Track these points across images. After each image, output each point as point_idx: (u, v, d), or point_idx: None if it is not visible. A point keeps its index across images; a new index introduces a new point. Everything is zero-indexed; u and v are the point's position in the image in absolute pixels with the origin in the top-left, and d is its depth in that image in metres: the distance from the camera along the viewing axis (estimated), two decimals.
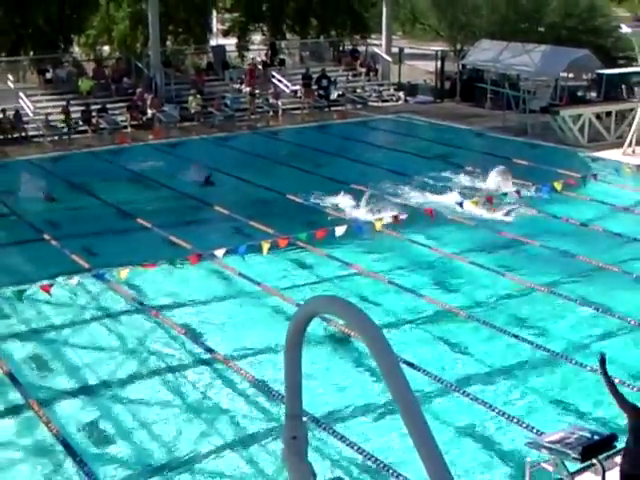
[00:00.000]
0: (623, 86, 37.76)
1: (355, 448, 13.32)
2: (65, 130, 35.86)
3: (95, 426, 14.51)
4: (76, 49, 47.71)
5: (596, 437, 11.59)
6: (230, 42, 50.70)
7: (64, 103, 36.76)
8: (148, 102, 38.40)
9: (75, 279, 19.03)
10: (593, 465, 11.72)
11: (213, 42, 50.06)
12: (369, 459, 13.04)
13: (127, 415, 14.88)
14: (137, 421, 14.67)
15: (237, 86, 42.62)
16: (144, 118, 38.05)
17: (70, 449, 13.52)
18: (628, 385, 14.69)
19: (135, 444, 14.01)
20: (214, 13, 53.76)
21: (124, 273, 18.76)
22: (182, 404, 15.26)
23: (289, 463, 3.57)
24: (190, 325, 18.36)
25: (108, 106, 38.19)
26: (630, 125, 33.50)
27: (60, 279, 19.06)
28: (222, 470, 13.30)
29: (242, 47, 49.68)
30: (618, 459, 11.71)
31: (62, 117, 36.04)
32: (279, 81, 43.05)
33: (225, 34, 53.13)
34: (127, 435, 14.27)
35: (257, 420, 14.58)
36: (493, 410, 14.45)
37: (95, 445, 13.98)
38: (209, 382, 16.09)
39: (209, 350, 17.10)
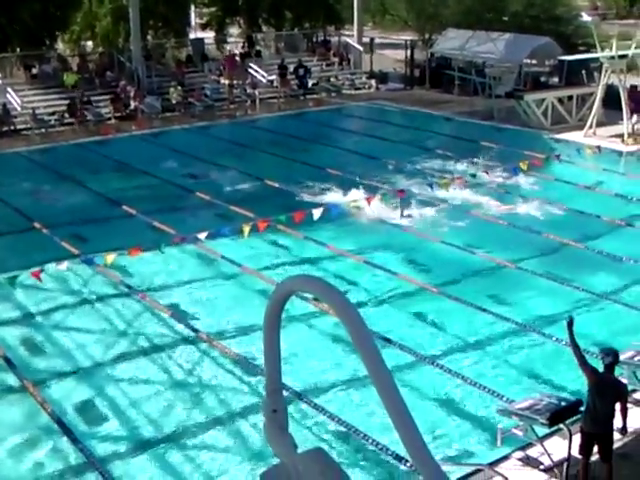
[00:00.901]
0: (583, 71, 38.31)
1: (335, 420, 13.79)
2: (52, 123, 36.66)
3: (88, 405, 14.87)
4: (61, 45, 48.03)
5: (563, 403, 12.39)
6: (208, 35, 51.22)
7: (51, 97, 37.66)
8: (131, 94, 39.08)
9: (64, 265, 19.29)
10: (560, 430, 12.45)
11: (192, 36, 50.42)
12: (349, 429, 13.50)
13: (118, 394, 15.23)
14: (128, 399, 15.03)
15: (216, 77, 43.37)
16: (127, 110, 38.70)
17: (64, 427, 13.94)
18: (592, 354, 15.24)
19: (126, 421, 14.37)
20: (192, 8, 54.24)
21: (111, 258, 19.06)
22: (170, 382, 15.65)
23: (271, 435, 3.62)
24: (176, 306, 18.81)
25: (93, 99, 38.89)
26: (591, 108, 34.50)
27: (50, 265, 19.27)
28: (209, 444, 13.65)
29: (220, 40, 50.26)
30: None
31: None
32: (256, 72, 43.81)
33: (203, 28, 53.58)
34: (119, 413, 14.61)
35: (241, 395, 15.00)
36: (465, 381, 14.99)
37: (88, 423, 14.32)
38: (195, 360, 16.46)
39: (194, 330, 17.58)
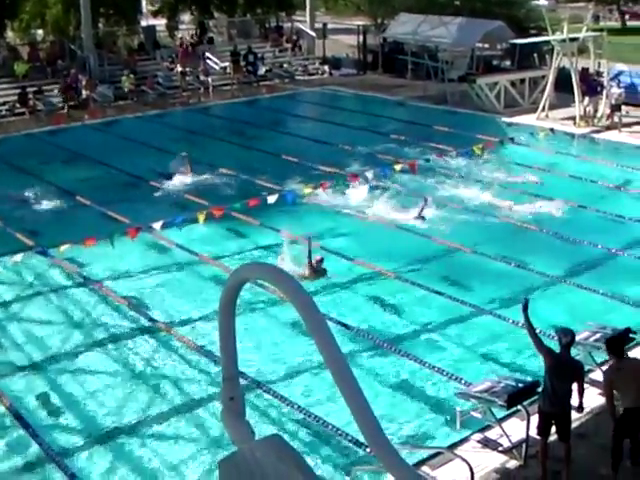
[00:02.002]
0: (535, 55, 38.85)
1: (295, 407, 13.86)
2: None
3: (46, 398, 14.77)
4: (10, 34, 47.65)
5: (520, 385, 12.53)
6: (160, 22, 50.94)
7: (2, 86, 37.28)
8: (83, 83, 38.79)
9: (18, 257, 19.26)
10: (518, 411, 12.64)
11: (144, 23, 50.02)
12: (308, 416, 13.55)
13: (76, 386, 15.15)
14: (86, 391, 14.95)
15: (168, 65, 43.21)
16: (79, 99, 38.38)
17: (22, 421, 13.85)
18: (549, 335, 15.37)
19: (85, 413, 14.34)
20: None
21: (66, 249, 19.10)
22: (128, 372, 15.60)
23: (228, 423, 3.65)
24: (132, 296, 18.75)
25: (44, 88, 38.47)
26: (543, 91, 34.85)
27: (4, 258, 19.43)
28: (169, 433, 13.65)
29: (172, 27, 50.07)
30: None
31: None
32: (208, 59, 43.73)
33: (155, 15, 53.25)
34: (77, 405, 14.57)
35: (200, 384, 14.97)
36: (424, 365, 15.11)
37: (46, 416, 14.26)
38: (153, 350, 16.44)
39: (152, 319, 17.53)
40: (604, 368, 13.96)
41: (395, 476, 2.92)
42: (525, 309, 11.71)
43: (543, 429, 11.63)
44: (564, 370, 11.44)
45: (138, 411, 14.32)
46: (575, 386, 11.53)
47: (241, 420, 3.63)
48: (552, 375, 11.36)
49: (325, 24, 51.41)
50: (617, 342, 11.98)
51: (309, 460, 12.40)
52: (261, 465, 3.07)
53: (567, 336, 11.62)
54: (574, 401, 11.55)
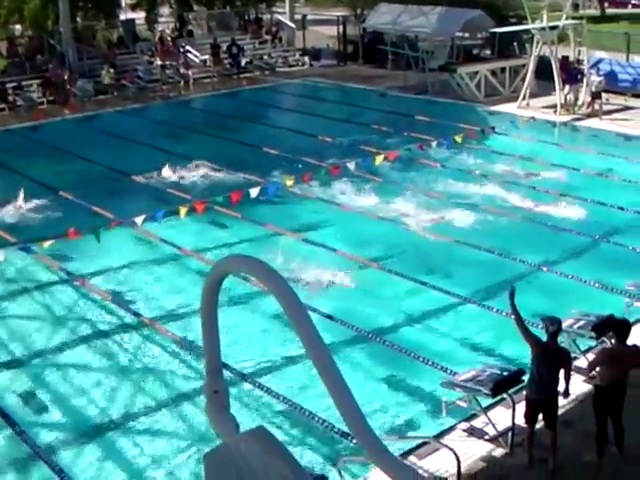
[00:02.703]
0: (515, 43, 38.77)
1: (281, 399, 13.84)
2: None
3: (31, 395, 14.72)
4: None
5: (505, 373, 12.58)
6: (139, 16, 50.54)
7: None
8: (62, 78, 38.56)
9: (1, 254, 19.15)
10: (504, 399, 12.67)
11: (122, 16, 49.77)
12: (294, 408, 13.51)
13: (61, 382, 15.13)
14: (72, 387, 14.95)
15: (148, 58, 43.07)
16: (59, 94, 38.13)
17: (8, 418, 13.77)
18: (533, 324, 15.68)
19: (71, 410, 14.31)
20: None
21: (49, 244, 19.09)
22: (114, 368, 15.57)
23: (212, 416, 3.63)
24: (116, 291, 18.66)
25: (23, 84, 38.29)
26: (523, 80, 34.90)
27: None
28: (155, 428, 13.65)
29: (151, 20, 49.70)
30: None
31: None
32: (188, 51, 43.62)
33: (134, 8, 52.80)
34: (63, 401, 14.56)
35: (186, 378, 14.98)
36: (409, 355, 15.10)
37: (32, 413, 14.21)
38: (138, 345, 16.42)
39: (136, 314, 17.48)
40: (588, 355, 14.11)
41: (379, 466, 2.91)
42: (512, 297, 11.72)
43: (530, 417, 11.68)
44: (551, 358, 11.47)
45: (124, 406, 14.30)
46: (562, 373, 11.56)
47: (225, 413, 3.61)
48: (539, 363, 11.41)
49: (305, 15, 51.47)
50: (623, 328, 11.90)
51: (297, 452, 12.43)
52: (246, 458, 3.06)
53: (554, 324, 11.65)
54: (560, 388, 11.60)
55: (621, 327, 11.90)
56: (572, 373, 11.91)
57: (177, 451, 12.95)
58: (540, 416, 11.70)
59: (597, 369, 11.89)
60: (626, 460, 11.72)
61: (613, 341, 12.11)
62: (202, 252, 20.58)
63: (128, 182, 26.82)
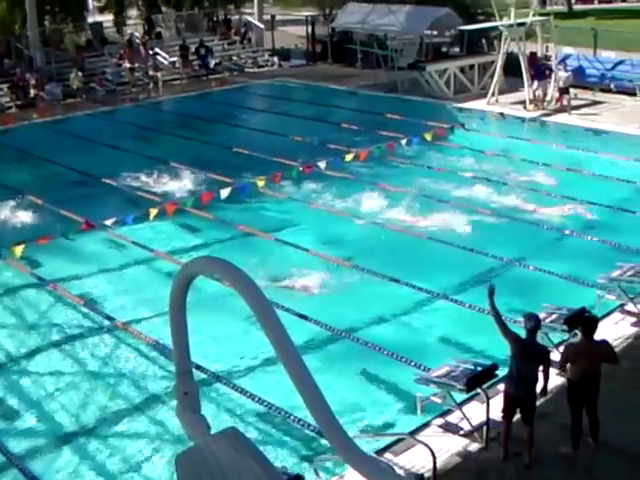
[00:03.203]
0: (483, 40, 38.97)
1: (256, 399, 13.81)
2: None
3: (3, 402, 14.63)
4: None
5: (479, 368, 12.66)
6: (107, 18, 50.39)
7: None
8: (30, 82, 38.25)
9: None
10: (478, 394, 12.75)
11: (90, 19, 49.55)
12: (270, 408, 13.52)
13: (34, 387, 15.06)
14: (45, 393, 14.89)
15: (117, 61, 42.75)
16: (27, 98, 37.85)
17: None
18: (509, 320, 15.80)
19: (45, 415, 14.25)
20: None
21: (19, 249, 19.04)
22: (87, 372, 15.54)
23: (183, 418, 3.62)
24: (88, 295, 18.58)
25: None
26: (492, 76, 35.04)
27: None
28: (130, 431, 13.61)
29: (119, 23, 49.48)
30: (501, 387, 12.66)
31: None
32: (157, 54, 43.44)
33: (102, 11, 52.77)
34: (36, 407, 14.47)
35: (160, 380, 14.92)
36: (383, 352, 15.11)
37: (5, 419, 14.14)
38: (111, 348, 16.38)
39: (109, 318, 17.34)
40: (561, 348, 14.16)
41: (350, 464, 2.91)
42: (491, 295, 11.80)
43: (507, 412, 11.73)
44: (530, 355, 11.52)
45: (98, 410, 14.25)
46: (541, 370, 11.64)
47: (196, 415, 3.59)
48: (518, 360, 11.47)
49: (273, 16, 51.36)
50: (590, 324, 11.99)
51: (273, 452, 12.54)
52: (218, 458, 3.06)
53: (531, 321, 11.72)
54: (539, 385, 11.68)
55: (587, 324, 11.98)
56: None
57: (152, 454, 12.91)
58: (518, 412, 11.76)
59: (568, 365, 11.93)
60: (601, 451, 11.79)
61: (579, 336, 12.16)
62: (174, 254, 20.47)
63: (98, 185, 26.61)
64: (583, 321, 12.25)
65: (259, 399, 13.86)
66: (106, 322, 17.34)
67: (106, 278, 19.72)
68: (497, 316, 11.71)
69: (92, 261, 20.59)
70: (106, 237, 21.62)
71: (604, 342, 12.17)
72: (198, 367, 14.35)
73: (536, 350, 11.72)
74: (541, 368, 11.65)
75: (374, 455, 11.57)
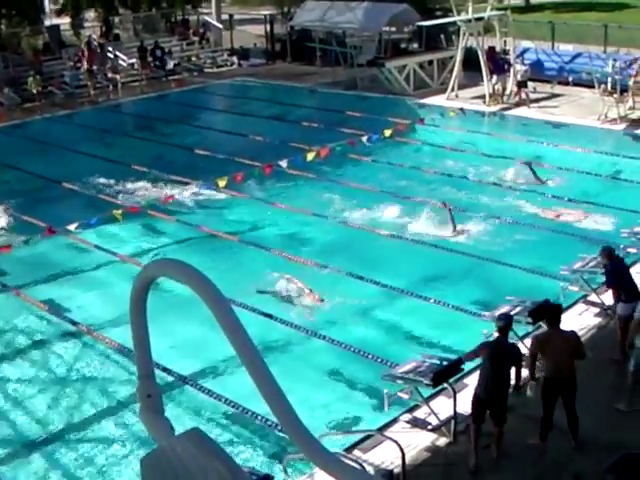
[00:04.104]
0: (442, 36, 39.08)
1: (223, 400, 13.84)
2: None
3: None
4: None
5: (445, 363, 12.73)
6: (64, 21, 49.88)
7: None
8: None
9: None
10: (445, 389, 12.79)
11: (47, 22, 49.14)
12: (237, 409, 13.52)
13: (0, 396, 14.99)
14: (11, 401, 14.83)
15: (75, 64, 42.40)
16: None
17: None
18: (473, 313, 16.01)
19: (10, 423, 14.14)
20: None
21: None
22: (53, 378, 15.48)
23: (147, 420, 3.59)
24: (53, 300, 18.46)
25: None
26: (451, 72, 35.15)
27: None
28: (98, 436, 13.55)
29: (76, 25, 49.09)
30: (467, 381, 12.96)
31: None
32: (115, 56, 43.12)
33: (58, 14, 52.34)
34: (1, 414, 14.40)
35: (127, 384, 14.69)
36: (349, 349, 15.19)
37: None
38: (77, 354, 16.29)
39: (73, 323, 17.30)
40: (526, 341, 14.28)
41: (315, 462, 2.91)
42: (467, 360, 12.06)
43: (477, 416, 11.73)
44: (502, 356, 11.55)
45: (64, 416, 14.20)
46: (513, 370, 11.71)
47: (160, 417, 3.57)
48: (491, 363, 11.51)
49: (232, 15, 51.30)
50: (554, 311, 12.12)
51: (242, 452, 12.62)
52: (182, 460, 3.05)
53: (500, 320, 11.79)
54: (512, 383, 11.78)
55: (552, 311, 12.07)
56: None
57: (121, 458, 12.86)
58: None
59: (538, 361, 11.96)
60: (567, 442, 11.87)
61: (545, 327, 12.22)
62: (137, 257, 20.39)
63: (59, 190, 26.47)
64: (546, 310, 12.30)
65: (227, 400, 13.84)
66: (71, 327, 17.23)
67: (70, 283, 19.62)
68: (471, 355, 12.01)
69: (56, 266, 20.47)
70: (69, 242, 21.49)
71: (572, 333, 12.27)
72: (165, 369, 14.36)
73: (507, 351, 11.70)
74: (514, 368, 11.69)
75: (343, 453, 11.58)
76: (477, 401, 11.71)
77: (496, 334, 11.90)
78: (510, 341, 12.24)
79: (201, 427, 3.25)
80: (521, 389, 12.06)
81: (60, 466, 12.94)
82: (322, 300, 17.37)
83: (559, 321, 11.92)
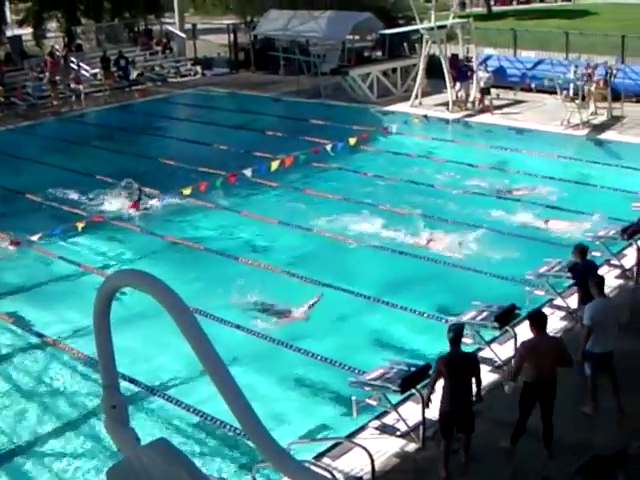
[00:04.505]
0: (405, 44, 39.28)
1: (191, 410, 13.74)
2: None
3: None
4: None
5: (412, 369, 12.69)
6: (26, 32, 49.66)
7: None
8: None
9: None
10: (413, 395, 12.79)
11: (9, 33, 48.91)
12: (206, 419, 13.42)
13: None
14: None
15: (37, 74, 42.15)
16: None
17: None
18: (439, 319, 16.01)
19: None
20: (7, 4, 51.99)
21: None
22: (19, 391, 15.33)
23: (112, 431, 3.59)
24: (17, 313, 18.30)
25: None
26: (415, 79, 35.34)
27: None
28: (65, 449, 13.43)
29: (39, 36, 48.92)
30: (435, 386, 12.99)
31: None
32: (78, 66, 42.95)
33: (20, 24, 52.08)
34: None
35: (94, 396, 14.50)
36: (316, 358, 15.13)
37: None
38: (43, 366, 16.17)
39: (39, 335, 17.13)
40: (493, 346, 14.36)
41: (280, 470, 2.90)
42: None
43: (445, 432, 11.65)
44: (458, 366, 11.50)
45: (30, 429, 14.07)
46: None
47: (125, 427, 3.56)
48: (449, 374, 11.42)
49: (195, 25, 51.39)
50: (539, 317, 12.05)
51: (211, 462, 12.58)
52: (149, 470, 3.03)
53: (450, 332, 11.69)
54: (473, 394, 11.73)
55: (538, 317, 12.00)
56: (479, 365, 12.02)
57: (85, 470, 12.76)
58: None
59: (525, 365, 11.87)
60: (537, 445, 11.88)
61: (531, 334, 12.07)
62: (101, 267, 20.30)
63: (23, 201, 26.21)
64: (532, 316, 12.15)
65: (195, 410, 13.77)
66: (36, 339, 17.08)
67: (35, 294, 19.46)
68: (433, 382, 11.76)
69: (20, 278, 20.34)
70: (33, 253, 21.32)
71: (558, 339, 12.29)
72: (132, 380, 14.29)
73: (463, 361, 11.66)
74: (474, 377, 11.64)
75: (312, 461, 11.56)
76: (444, 416, 11.63)
77: (449, 346, 11.72)
78: (465, 350, 12.22)
79: (170, 438, 3.23)
80: (482, 398, 11.97)
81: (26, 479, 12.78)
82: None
83: (546, 326, 11.91)
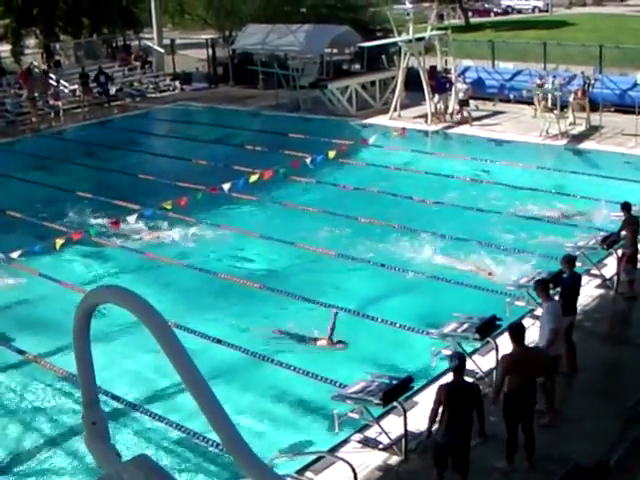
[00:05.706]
0: (383, 56, 39.49)
1: (174, 426, 13.67)
2: None
3: None
4: None
5: (394, 382, 12.64)
6: (4, 48, 49.67)
7: None
8: None
9: None
10: (395, 408, 12.74)
11: None
12: (189, 434, 13.35)
13: None
14: None
15: (16, 91, 42.04)
16: None
17: None
18: (420, 331, 16.03)
19: None
20: None
21: None
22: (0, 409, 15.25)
23: (92, 447, 3.60)
24: None
25: None
26: (393, 92, 35.45)
27: None
28: (46, 467, 13.35)
29: (17, 52, 48.77)
30: (417, 399, 13.04)
31: None
32: (57, 82, 42.87)
33: None
34: None
35: (75, 413, 14.27)
36: (298, 372, 15.08)
37: None
38: (24, 383, 16.07)
39: (20, 352, 17.04)
40: (475, 357, 14.38)
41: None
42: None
43: (438, 462, 11.31)
44: (459, 397, 11.02)
45: (12, 448, 13.95)
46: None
47: (106, 444, 3.56)
48: (449, 405, 10.95)
49: (173, 40, 51.42)
50: (519, 330, 11.96)
51: (194, 477, 12.58)
52: None
53: (453, 360, 11.29)
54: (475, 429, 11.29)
55: (516, 330, 11.93)
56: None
57: None
58: None
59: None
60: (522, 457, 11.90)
61: (512, 346, 12.01)
62: (81, 284, 19.99)
63: (2, 218, 26.01)
64: (511, 330, 12.08)
65: (177, 425, 13.71)
66: (18, 356, 16.97)
67: (15, 311, 19.40)
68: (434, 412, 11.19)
69: None
70: (12, 270, 21.14)
71: (541, 350, 12.29)
72: (114, 397, 14.25)
73: (464, 390, 11.17)
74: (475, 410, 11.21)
75: (294, 475, 11.55)
76: (436, 448, 11.26)
77: (452, 374, 11.32)
78: (468, 380, 12.03)
79: (151, 454, 3.22)
80: (487, 436, 11.41)
81: None
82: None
83: (524, 338, 11.89)
